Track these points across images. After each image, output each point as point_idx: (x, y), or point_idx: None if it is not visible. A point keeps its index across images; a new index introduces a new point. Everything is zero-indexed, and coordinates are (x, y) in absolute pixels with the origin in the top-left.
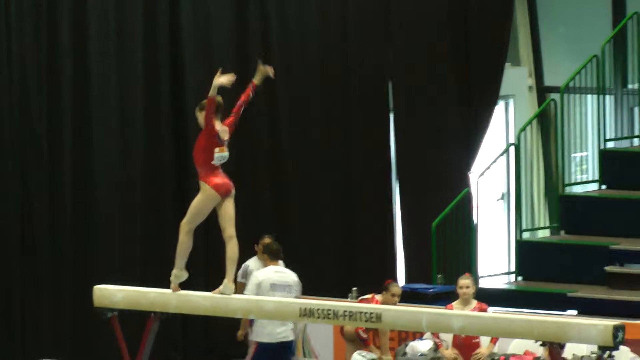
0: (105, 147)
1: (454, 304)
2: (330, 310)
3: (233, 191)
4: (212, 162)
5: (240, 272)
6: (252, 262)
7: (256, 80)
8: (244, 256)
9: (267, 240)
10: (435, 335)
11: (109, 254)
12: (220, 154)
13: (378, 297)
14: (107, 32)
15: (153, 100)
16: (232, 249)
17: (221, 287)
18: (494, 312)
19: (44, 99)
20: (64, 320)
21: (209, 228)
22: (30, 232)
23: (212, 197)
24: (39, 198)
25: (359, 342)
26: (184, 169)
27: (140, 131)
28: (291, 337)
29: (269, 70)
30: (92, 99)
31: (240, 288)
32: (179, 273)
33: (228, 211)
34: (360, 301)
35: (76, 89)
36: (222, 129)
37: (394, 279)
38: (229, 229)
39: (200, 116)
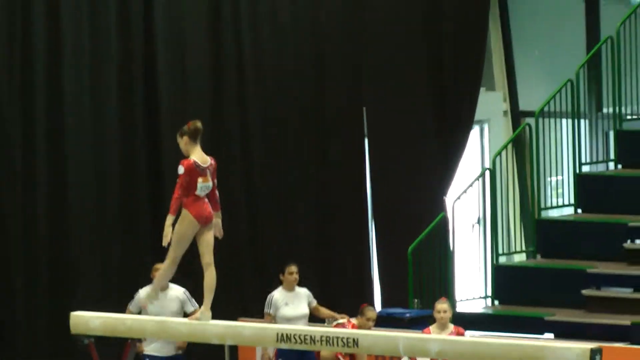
0: (79, 157)
1: (431, 328)
2: (307, 335)
3: (218, 220)
4: (196, 193)
5: (266, 302)
6: (277, 293)
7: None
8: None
9: (292, 268)
10: (412, 359)
11: (85, 273)
12: (204, 184)
13: (354, 320)
14: (81, 34)
15: (126, 111)
16: (210, 276)
17: (198, 314)
18: (471, 336)
19: (16, 109)
20: (39, 342)
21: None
22: (4, 251)
23: (193, 225)
24: (13, 214)
25: None
26: (159, 176)
27: (114, 139)
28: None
29: (217, 233)
30: (66, 105)
31: (268, 319)
32: (153, 294)
33: (207, 239)
34: (336, 326)
35: (50, 96)
36: (202, 158)
37: (370, 303)
38: (207, 257)
39: (181, 142)
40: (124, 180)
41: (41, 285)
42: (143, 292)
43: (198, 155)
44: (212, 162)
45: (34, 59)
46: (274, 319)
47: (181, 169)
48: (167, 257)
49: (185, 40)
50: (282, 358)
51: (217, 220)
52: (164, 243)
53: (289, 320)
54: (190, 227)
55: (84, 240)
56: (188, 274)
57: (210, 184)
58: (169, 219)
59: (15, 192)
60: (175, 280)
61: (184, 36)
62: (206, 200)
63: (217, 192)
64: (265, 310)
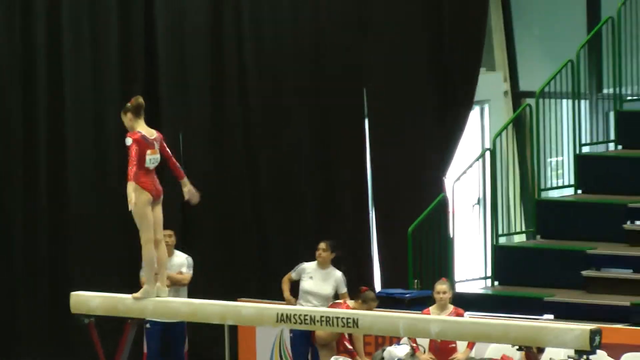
0: (80, 148)
1: (431, 308)
2: (307, 315)
3: (189, 187)
4: (146, 165)
5: (296, 266)
6: (309, 264)
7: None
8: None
9: (320, 244)
10: (412, 340)
11: (84, 259)
12: (153, 156)
13: (350, 302)
14: (82, 32)
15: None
16: (162, 252)
17: (141, 291)
18: (471, 317)
19: (18, 102)
20: (40, 327)
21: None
22: (5, 236)
23: (147, 198)
24: (14, 202)
25: (333, 348)
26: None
27: (113, 131)
28: None
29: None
30: (67, 99)
31: (285, 279)
32: (149, 289)
33: (157, 215)
34: (332, 306)
35: (51, 91)
36: (148, 131)
37: (370, 284)
38: (158, 234)
39: (125, 119)
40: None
41: (41, 270)
42: None
43: (144, 129)
44: (158, 134)
45: (35, 49)
46: (290, 283)
47: (129, 140)
48: (142, 244)
49: (185, 26)
50: (294, 348)
51: (189, 187)
52: (130, 207)
53: (306, 293)
54: (145, 200)
55: (83, 228)
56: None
57: (158, 156)
58: (130, 185)
59: (16, 175)
60: None
61: (184, 24)
62: (155, 175)
63: (175, 161)
64: (291, 271)
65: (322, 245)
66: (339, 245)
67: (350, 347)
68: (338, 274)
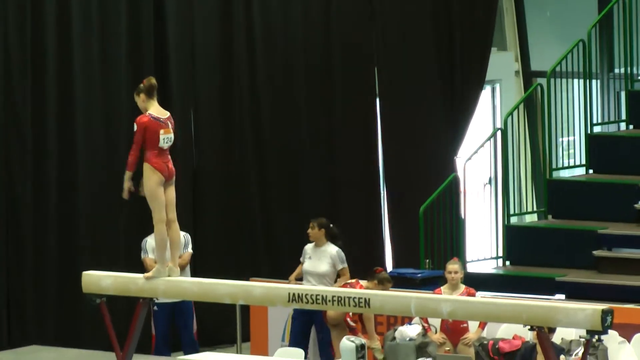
0: (90, 132)
1: (442, 288)
2: (319, 295)
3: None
4: (159, 145)
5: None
6: (308, 245)
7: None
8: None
9: (310, 223)
10: (424, 319)
11: (94, 239)
12: (166, 136)
13: (363, 282)
14: (91, 16)
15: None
16: (175, 232)
17: (153, 270)
18: (482, 297)
19: (27, 91)
20: (49, 307)
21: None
22: (14, 218)
23: (159, 178)
24: (23, 184)
25: (344, 327)
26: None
27: (124, 118)
28: None
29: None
30: (77, 89)
31: (299, 267)
32: (161, 269)
33: (170, 196)
34: (344, 286)
35: (60, 81)
36: (160, 111)
37: (382, 264)
38: (171, 213)
39: (139, 100)
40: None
41: (50, 249)
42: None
43: (156, 110)
44: (169, 115)
45: (44, 32)
46: (300, 267)
47: (135, 127)
48: (154, 224)
49: (194, 6)
50: (296, 320)
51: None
52: (124, 196)
53: (306, 273)
54: (157, 181)
55: (94, 205)
56: None
57: (172, 135)
58: (127, 174)
59: (26, 161)
60: None
61: (194, 7)
62: (169, 155)
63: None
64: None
65: (312, 223)
66: (328, 222)
67: (352, 324)
68: (333, 250)
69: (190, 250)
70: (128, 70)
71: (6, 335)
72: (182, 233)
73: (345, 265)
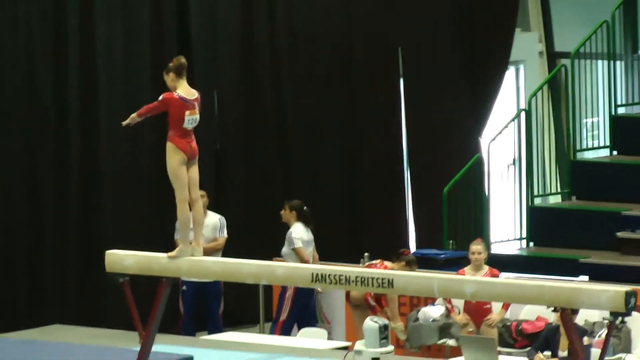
0: (113, 115)
1: (466, 269)
2: (342, 275)
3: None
4: (184, 126)
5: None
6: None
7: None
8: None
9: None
10: (447, 300)
11: (117, 218)
12: (191, 117)
13: (387, 263)
14: (114, 11)
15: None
16: (198, 212)
17: (177, 250)
18: (506, 278)
19: (49, 72)
20: (71, 286)
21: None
22: (36, 199)
23: (181, 158)
24: (45, 163)
25: (366, 308)
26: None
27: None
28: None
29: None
30: (99, 70)
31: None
32: (184, 248)
33: (193, 174)
34: (368, 266)
35: (83, 65)
36: (188, 92)
37: (405, 245)
38: (194, 192)
39: (168, 78)
40: (157, 127)
41: (72, 229)
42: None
43: (184, 90)
44: (198, 95)
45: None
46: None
47: (160, 97)
48: (177, 204)
49: None
50: (297, 302)
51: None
52: (123, 123)
53: None
54: (180, 160)
55: (115, 185)
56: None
57: (197, 116)
58: (134, 115)
59: (48, 141)
60: None
61: None
62: (193, 135)
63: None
64: None
65: (284, 205)
66: (302, 205)
67: (373, 303)
68: (289, 230)
69: (225, 234)
70: (150, 52)
71: (28, 314)
72: (218, 216)
73: (294, 247)
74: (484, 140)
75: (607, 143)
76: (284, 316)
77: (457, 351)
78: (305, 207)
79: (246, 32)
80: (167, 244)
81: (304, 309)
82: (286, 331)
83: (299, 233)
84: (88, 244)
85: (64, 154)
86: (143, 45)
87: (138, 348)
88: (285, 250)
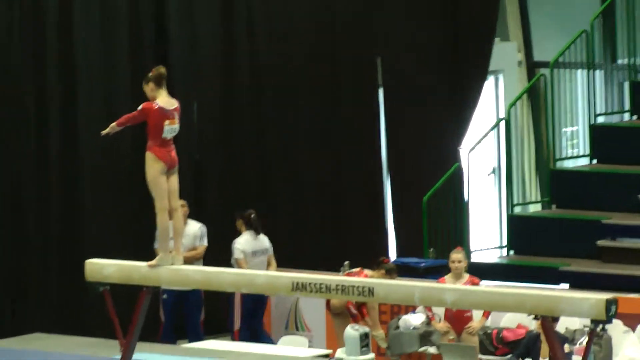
0: (92, 126)
1: (446, 277)
2: (322, 284)
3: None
4: (163, 136)
5: None
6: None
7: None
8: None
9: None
10: (427, 308)
11: (98, 227)
12: (170, 127)
13: (367, 271)
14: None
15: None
16: (177, 220)
17: (169, 259)
18: (486, 286)
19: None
20: (53, 297)
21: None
22: (18, 207)
23: (160, 167)
24: (27, 172)
25: (347, 316)
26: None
27: (124, 100)
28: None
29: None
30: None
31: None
32: (164, 257)
33: (173, 184)
34: (348, 275)
35: (62, 75)
36: (168, 101)
37: (385, 253)
38: (173, 201)
39: (147, 88)
40: (138, 132)
41: (54, 237)
42: None
43: (164, 100)
44: (177, 105)
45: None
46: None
47: (139, 107)
48: (156, 213)
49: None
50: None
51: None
52: (102, 133)
53: None
54: (159, 169)
55: (96, 194)
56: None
57: (177, 126)
58: (114, 124)
59: (28, 144)
60: None
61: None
62: (172, 144)
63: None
64: None
65: None
66: (250, 213)
67: (354, 311)
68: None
69: (205, 243)
70: (130, 62)
71: (9, 322)
72: (198, 225)
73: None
74: (464, 149)
75: (587, 152)
76: (237, 325)
77: (438, 359)
78: (252, 216)
79: (226, 43)
80: (148, 252)
81: (251, 318)
82: (245, 339)
83: (242, 244)
84: (69, 252)
85: (45, 161)
86: (122, 54)
87: (119, 356)
88: (232, 260)
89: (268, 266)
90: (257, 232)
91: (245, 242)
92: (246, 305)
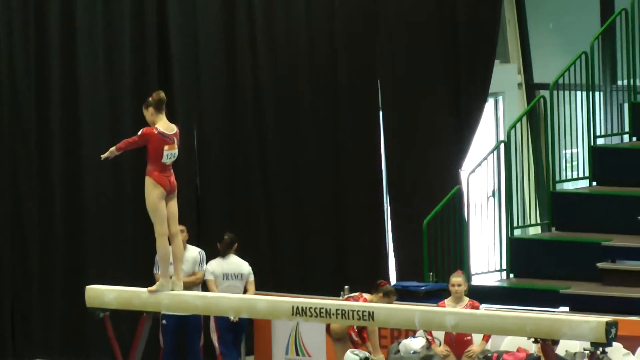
0: (94, 148)
1: (446, 301)
2: (322, 308)
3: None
4: (162, 160)
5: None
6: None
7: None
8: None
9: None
10: (428, 332)
11: (100, 251)
12: (170, 152)
13: (366, 295)
14: (96, 42)
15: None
16: (177, 246)
17: (157, 285)
18: (486, 310)
19: (31, 93)
20: (54, 320)
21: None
22: (20, 231)
23: (160, 192)
24: (29, 195)
25: (347, 340)
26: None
27: (129, 130)
28: None
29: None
30: (80, 92)
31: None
32: (164, 282)
33: (172, 209)
34: (347, 299)
35: (65, 89)
36: (167, 126)
37: (385, 277)
38: (173, 227)
39: (147, 113)
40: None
41: (56, 263)
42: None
43: (163, 125)
44: (177, 130)
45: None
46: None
47: (139, 132)
48: (156, 238)
49: (198, 19)
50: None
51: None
52: (102, 156)
53: None
54: (159, 194)
55: (99, 219)
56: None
57: (176, 151)
58: (113, 149)
59: (31, 169)
60: None
61: (197, 14)
62: (171, 169)
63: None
64: None
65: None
66: (229, 236)
67: (356, 338)
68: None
69: (204, 268)
70: (132, 82)
71: (11, 347)
72: (198, 250)
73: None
74: (464, 171)
75: (587, 174)
76: (218, 349)
77: None
78: (225, 237)
79: (229, 64)
80: (148, 277)
81: (227, 343)
82: None
83: (213, 266)
84: (73, 277)
85: (48, 186)
86: (123, 78)
87: None
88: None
89: (246, 292)
90: (222, 256)
91: (216, 264)
92: (220, 329)
